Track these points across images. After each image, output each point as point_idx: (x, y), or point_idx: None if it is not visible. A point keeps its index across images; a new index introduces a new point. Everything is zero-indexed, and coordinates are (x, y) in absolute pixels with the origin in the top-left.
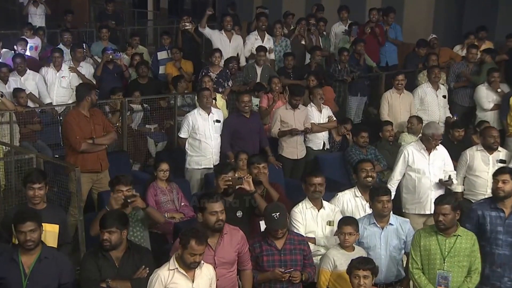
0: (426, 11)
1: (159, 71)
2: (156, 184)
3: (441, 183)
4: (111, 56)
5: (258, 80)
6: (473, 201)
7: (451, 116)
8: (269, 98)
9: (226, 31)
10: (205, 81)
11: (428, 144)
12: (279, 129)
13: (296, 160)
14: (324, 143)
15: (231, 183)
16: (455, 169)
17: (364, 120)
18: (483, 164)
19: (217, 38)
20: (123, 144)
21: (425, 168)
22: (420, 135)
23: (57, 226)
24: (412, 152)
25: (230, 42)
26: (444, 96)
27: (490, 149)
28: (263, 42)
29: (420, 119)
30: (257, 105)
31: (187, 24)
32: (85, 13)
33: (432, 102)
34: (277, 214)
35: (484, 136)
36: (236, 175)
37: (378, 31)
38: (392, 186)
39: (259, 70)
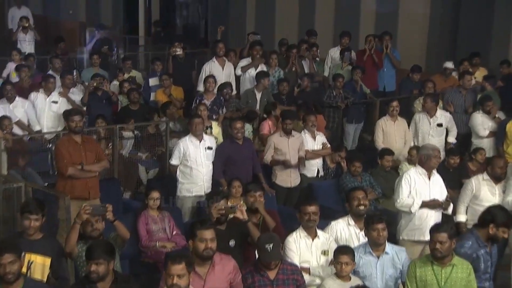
0: (419, 37)
1: (150, 98)
2: (147, 213)
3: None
4: (95, 84)
5: (258, 106)
6: None
7: (451, 143)
8: (271, 125)
9: (218, 57)
10: (200, 110)
11: (428, 164)
12: (272, 156)
13: (290, 189)
14: (318, 170)
15: (224, 212)
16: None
17: (359, 146)
18: (490, 194)
19: (209, 66)
20: (114, 172)
21: (426, 193)
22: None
23: (49, 259)
24: (413, 176)
25: (223, 69)
26: (439, 125)
27: (498, 179)
28: (256, 70)
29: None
30: (252, 131)
31: (177, 49)
32: (76, 38)
33: (425, 131)
34: (271, 245)
35: (492, 166)
36: (229, 203)
37: (376, 58)
38: (414, 206)
39: (258, 95)
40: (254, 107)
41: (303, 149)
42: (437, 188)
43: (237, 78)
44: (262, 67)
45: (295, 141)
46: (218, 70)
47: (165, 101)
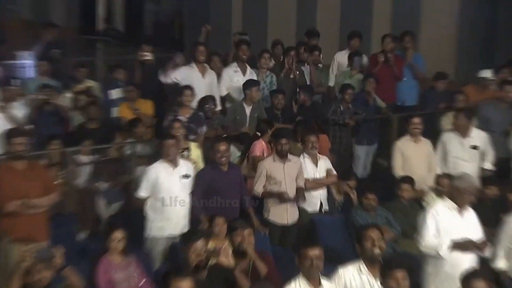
0: (447, 39)
1: (111, 114)
2: (109, 258)
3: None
4: (43, 97)
5: (247, 123)
6: None
7: (488, 170)
8: (265, 146)
9: (198, 63)
10: (175, 128)
11: (461, 200)
12: (264, 186)
13: (287, 226)
14: (321, 203)
15: (204, 256)
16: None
17: (372, 173)
18: None
19: (185, 74)
20: (66, 206)
21: (457, 232)
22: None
23: None
24: (441, 212)
25: (203, 77)
26: (474, 147)
27: None
28: (244, 76)
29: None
30: (239, 156)
31: (147, 54)
32: (19, 40)
33: (456, 154)
34: None
35: None
36: (210, 245)
37: (393, 62)
38: (443, 248)
39: (248, 110)
40: (243, 125)
41: (302, 177)
42: (470, 226)
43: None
44: (250, 73)
45: (292, 167)
46: (198, 79)
47: (131, 118)
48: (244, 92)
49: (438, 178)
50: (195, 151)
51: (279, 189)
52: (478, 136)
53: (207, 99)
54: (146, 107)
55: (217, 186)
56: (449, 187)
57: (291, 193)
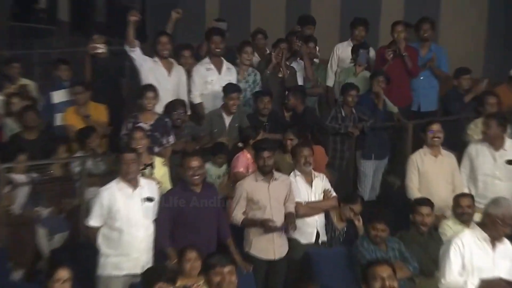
0: (472, 29)
1: (55, 121)
2: None
3: None
4: None
5: (227, 134)
6: None
7: None
8: (250, 159)
9: (163, 58)
10: (136, 138)
11: (495, 231)
12: (244, 212)
13: (274, 262)
14: (318, 232)
15: None
16: None
17: (382, 195)
18: None
19: (149, 68)
20: None
21: (488, 270)
22: (475, 219)
23: None
24: (468, 243)
25: (169, 75)
26: (509, 162)
27: None
28: (220, 75)
29: (472, 199)
30: (224, 173)
31: (99, 46)
32: None
33: (484, 168)
34: None
35: None
36: (179, 284)
37: (407, 56)
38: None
39: (228, 120)
40: (222, 136)
41: (292, 200)
42: (504, 262)
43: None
44: (228, 70)
45: (279, 187)
46: (163, 77)
47: (81, 127)
48: (224, 97)
49: (458, 199)
50: (160, 169)
51: (262, 215)
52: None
53: (176, 104)
54: (99, 112)
55: (188, 211)
56: (482, 214)
57: (279, 220)
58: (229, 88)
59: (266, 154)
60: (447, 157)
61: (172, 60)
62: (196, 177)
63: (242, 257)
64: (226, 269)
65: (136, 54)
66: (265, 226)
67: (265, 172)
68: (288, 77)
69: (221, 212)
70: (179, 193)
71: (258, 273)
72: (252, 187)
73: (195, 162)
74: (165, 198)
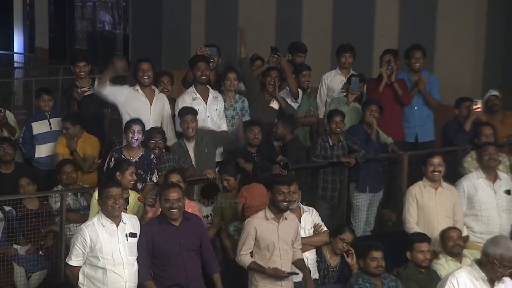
0: (471, 56)
1: (34, 154)
2: None
3: None
4: None
5: (195, 164)
6: None
7: None
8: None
9: (144, 87)
10: (127, 174)
11: (493, 272)
12: (251, 252)
13: None
14: (309, 269)
15: None
16: None
17: (377, 230)
18: None
19: (126, 98)
20: None
21: None
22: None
23: None
24: (464, 284)
25: (151, 104)
26: (508, 192)
27: None
28: (206, 104)
29: (460, 231)
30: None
31: (85, 90)
32: None
33: (487, 202)
34: None
35: None
36: None
37: (396, 81)
38: None
39: (190, 146)
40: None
41: (299, 242)
42: None
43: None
44: (215, 99)
45: (288, 227)
46: (144, 106)
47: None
48: (180, 122)
49: (446, 232)
50: (133, 202)
51: (270, 256)
52: (506, 177)
53: (152, 133)
54: (88, 144)
55: (167, 246)
56: (482, 254)
57: (286, 261)
58: (182, 111)
59: (285, 188)
60: (448, 190)
61: (154, 87)
62: (174, 210)
63: None
64: None
65: (106, 92)
66: (277, 275)
67: (283, 209)
68: (285, 106)
69: (207, 245)
70: (156, 225)
71: None
72: (262, 226)
73: (173, 194)
74: (144, 231)
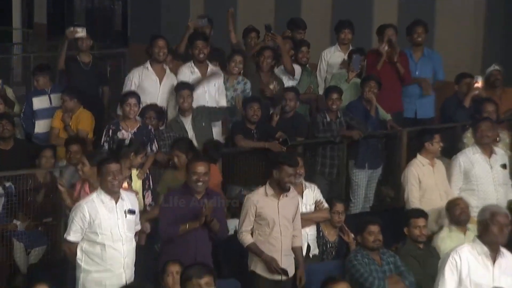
0: (470, 32)
1: (34, 129)
2: None
3: None
4: None
5: (194, 142)
6: None
7: None
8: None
9: (157, 63)
10: (137, 158)
11: (491, 236)
12: (252, 230)
13: (280, 283)
14: (309, 246)
15: None
16: None
17: (376, 207)
18: None
19: (141, 78)
20: None
21: (487, 286)
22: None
23: None
24: (466, 259)
25: (160, 82)
26: (503, 166)
27: None
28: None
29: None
30: None
31: (78, 30)
32: None
33: (483, 177)
34: None
35: None
36: None
37: (398, 60)
38: None
39: (187, 122)
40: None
41: (298, 224)
42: (506, 279)
43: None
44: (214, 77)
45: (288, 204)
46: (153, 83)
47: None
48: (177, 97)
49: (453, 202)
50: (137, 182)
51: (270, 232)
52: (501, 152)
53: (147, 109)
54: (82, 118)
55: (184, 220)
56: (478, 225)
57: (286, 238)
58: (178, 86)
59: (290, 170)
60: (440, 165)
61: (165, 66)
62: (200, 183)
63: (247, 275)
64: (203, 280)
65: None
66: (269, 265)
67: (286, 189)
68: (278, 91)
69: (221, 217)
70: (179, 194)
71: None
72: (262, 201)
73: (201, 168)
74: (165, 198)
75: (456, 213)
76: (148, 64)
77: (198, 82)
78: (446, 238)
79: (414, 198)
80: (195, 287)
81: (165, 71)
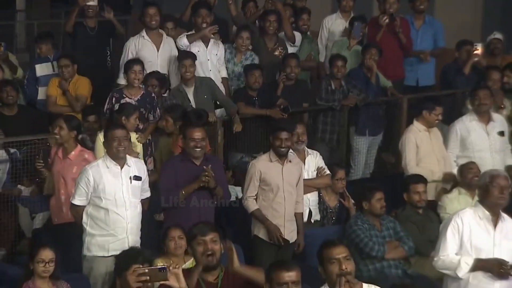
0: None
1: (37, 95)
2: (34, 284)
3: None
4: None
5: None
6: None
7: None
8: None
9: (151, 30)
10: (129, 120)
11: (492, 198)
12: (256, 196)
13: (281, 247)
14: (310, 211)
15: (148, 278)
16: None
17: (376, 173)
18: None
19: (138, 47)
20: None
21: (487, 250)
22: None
23: None
24: (468, 223)
25: (158, 49)
26: (501, 133)
27: None
28: (206, 48)
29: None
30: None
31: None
32: None
33: (480, 144)
34: None
35: None
36: (159, 264)
37: (400, 28)
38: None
39: (190, 92)
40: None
41: (301, 190)
42: (506, 243)
43: None
44: (215, 44)
45: (292, 170)
46: (151, 51)
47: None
48: (179, 66)
49: (465, 166)
50: (136, 145)
51: (274, 197)
52: (500, 120)
53: (149, 77)
54: (80, 84)
55: (186, 185)
56: (478, 190)
57: (289, 203)
58: (181, 55)
59: (284, 135)
60: (436, 131)
61: (161, 31)
62: (198, 149)
63: (249, 240)
64: (208, 237)
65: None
66: (272, 234)
67: (282, 154)
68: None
69: (223, 181)
70: (178, 162)
71: (267, 256)
72: (266, 167)
73: (198, 134)
74: (163, 165)
75: (468, 176)
76: (143, 33)
77: (192, 36)
78: (454, 200)
79: (412, 162)
80: (201, 245)
81: (161, 38)
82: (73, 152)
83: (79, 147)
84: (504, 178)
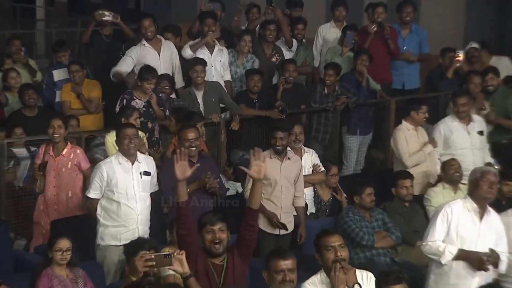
0: (454, 9)
1: (55, 98)
2: (52, 271)
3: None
4: None
5: (203, 112)
6: None
7: (492, 163)
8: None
9: (148, 40)
10: (131, 115)
11: (480, 192)
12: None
13: (279, 237)
14: (306, 205)
15: (154, 263)
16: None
17: (367, 169)
18: None
19: (137, 55)
20: (0, 210)
21: (471, 241)
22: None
23: None
24: (457, 213)
25: (159, 54)
26: (480, 133)
27: None
28: (211, 56)
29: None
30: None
31: (106, 14)
32: None
33: (461, 142)
34: None
35: None
36: (166, 250)
37: (389, 35)
38: (445, 255)
39: (199, 95)
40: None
41: (301, 186)
42: (490, 234)
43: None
44: (220, 51)
45: (291, 167)
46: (153, 56)
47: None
48: (190, 71)
49: (448, 162)
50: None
51: (272, 192)
52: (478, 120)
53: (162, 79)
54: (91, 87)
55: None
56: (469, 184)
57: (287, 199)
58: (193, 61)
59: (279, 134)
60: (422, 131)
61: (159, 37)
62: (193, 148)
63: None
64: (217, 226)
65: (123, 70)
66: (271, 220)
67: (278, 152)
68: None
69: (217, 177)
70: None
71: (266, 245)
72: (266, 163)
73: (191, 134)
74: (164, 164)
75: (450, 172)
76: (144, 41)
77: (196, 45)
78: (439, 193)
79: (406, 154)
80: (209, 233)
81: (161, 43)
82: (65, 150)
83: (69, 144)
84: (493, 174)
